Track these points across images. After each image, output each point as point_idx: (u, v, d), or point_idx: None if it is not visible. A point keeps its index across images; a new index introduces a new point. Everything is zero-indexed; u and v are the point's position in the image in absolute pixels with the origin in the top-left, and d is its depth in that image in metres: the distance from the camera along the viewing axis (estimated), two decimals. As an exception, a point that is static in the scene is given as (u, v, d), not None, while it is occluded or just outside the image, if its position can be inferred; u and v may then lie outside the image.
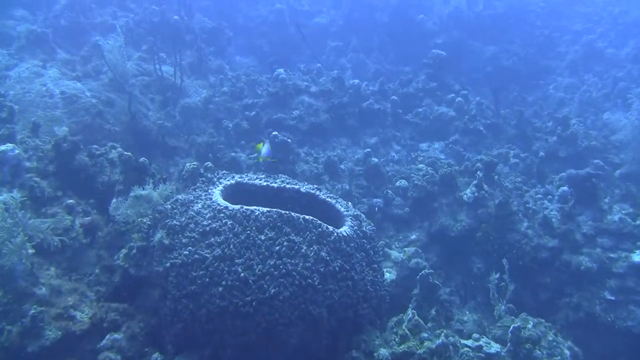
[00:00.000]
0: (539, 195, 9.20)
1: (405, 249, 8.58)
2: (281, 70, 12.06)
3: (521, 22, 17.71)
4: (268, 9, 18.12)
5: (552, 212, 8.57)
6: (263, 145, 6.91)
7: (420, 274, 7.01)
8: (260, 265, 5.46)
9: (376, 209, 9.19)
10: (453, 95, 12.67)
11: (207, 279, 5.45)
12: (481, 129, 11.66)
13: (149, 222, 6.32)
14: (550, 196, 9.07)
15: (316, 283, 5.53)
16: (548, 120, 12.01)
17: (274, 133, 9.56)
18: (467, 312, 7.53)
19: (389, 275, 7.83)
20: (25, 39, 10.11)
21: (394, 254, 8.37)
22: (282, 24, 17.71)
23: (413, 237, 8.98)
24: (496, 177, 9.19)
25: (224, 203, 6.03)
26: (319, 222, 5.92)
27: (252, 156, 9.69)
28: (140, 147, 9.34)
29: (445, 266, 8.70)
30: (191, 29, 13.10)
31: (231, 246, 5.57)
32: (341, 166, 10.11)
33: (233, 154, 9.74)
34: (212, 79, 12.41)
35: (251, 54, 17.01)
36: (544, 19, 18.19)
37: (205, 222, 5.85)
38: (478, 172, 8.91)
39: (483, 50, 16.72)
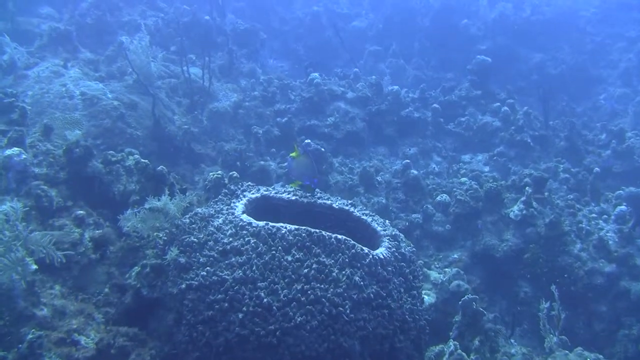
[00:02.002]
0: (594, 215, 8.50)
1: (446, 269, 7.95)
2: (316, 74, 11.51)
3: (571, 28, 17.02)
4: (304, 11, 17.75)
5: (608, 234, 7.93)
6: (298, 151, 6.07)
7: (463, 299, 6.40)
8: (285, 290, 4.89)
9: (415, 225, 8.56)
10: (499, 104, 11.99)
11: (226, 304, 4.88)
12: (528, 140, 10.95)
13: (165, 238, 5.75)
14: (606, 216, 8.37)
15: (348, 312, 4.92)
16: (601, 133, 11.27)
17: (306, 141, 9.03)
18: (514, 343, 6.88)
19: (428, 298, 7.24)
20: (48, 37, 9.68)
21: (434, 274, 7.76)
22: (319, 27, 17.29)
23: (454, 256, 8.33)
24: (546, 193, 8.51)
25: (247, 219, 5.45)
26: (352, 242, 5.31)
27: (283, 165, 9.14)
28: (164, 153, 8.83)
29: (489, 290, 8.07)
30: (223, 30, 12.67)
31: (254, 267, 5.00)
32: (378, 178, 9.49)
33: (262, 162, 9.19)
34: (243, 82, 11.94)
35: (286, 58, 16.57)
36: (596, 25, 17.43)
37: (225, 240, 5.30)
38: (527, 188, 8.25)
39: (529, 58, 16.04)
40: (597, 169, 9.75)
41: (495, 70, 13.35)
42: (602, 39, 16.91)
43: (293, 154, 5.88)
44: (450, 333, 6.46)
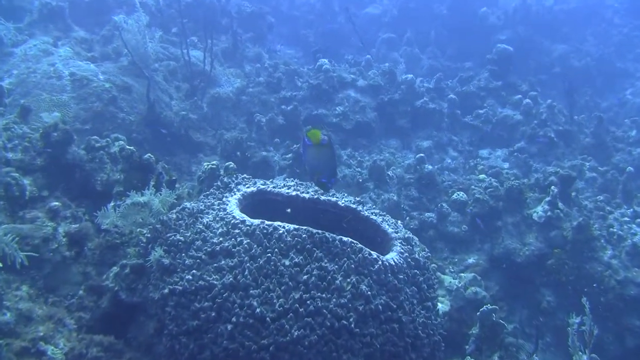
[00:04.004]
0: (626, 218, 7.82)
1: (462, 274, 7.34)
2: (325, 60, 10.88)
3: (596, 18, 16.44)
4: (315, -5, 17.13)
5: None
6: (319, 136, 4.77)
7: (481, 310, 5.84)
8: (281, 299, 4.27)
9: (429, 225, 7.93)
10: (520, 96, 11.32)
11: (214, 313, 4.28)
12: (552, 135, 10.26)
13: (149, 235, 5.13)
14: None
15: (353, 325, 4.30)
16: (630, 129, 10.57)
17: (313, 132, 8.36)
18: None
19: (441, 306, 6.61)
20: (38, 13, 9.03)
21: (448, 279, 7.12)
22: (330, 13, 16.80)
23: (471, 260, 7.69)
24: (573, 193, 7.85)
25: (240, 216, 4.82)
26: (359, 245, 4.67)
27: (287, 157, 8.50)
28: (159, 140, 8.23)
29: (508, 298, 7.46)
30: (227, 11, 12.04)
31: (246, 272, 4.37)
32: (389, 172, 8.84)
33: (265, 153, 8.56)
34: (247, 68, 11.34)
35: (295, 44, 15.98)
36: (623, 16, 16.79)
37: (215, 240, 4.68)
38: (552, 188, 7.61)
39: (552, 49, 15.39)
40: (630, 168, 9.05)
41: (515, 62, 12.74)
42: (629, 31, 16.32)
43: (312, 138, 4.54)
44: (467, 347, 5.98)
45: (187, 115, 8.85)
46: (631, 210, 8.10)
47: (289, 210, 5.46)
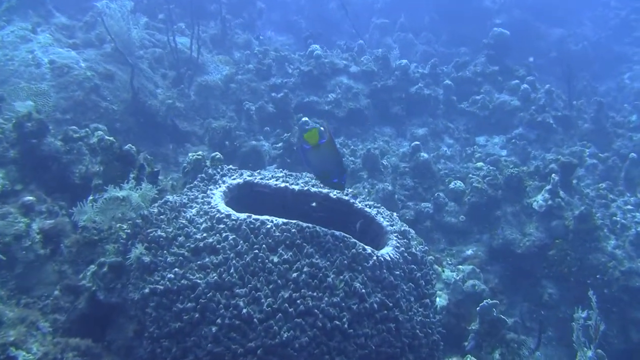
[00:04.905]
0: (629, 206, 7.61)
1: (460, 267, 7.10)
2: (316, 46, 10.59)
3: (594, 1, 16.24)
4: (307, -20, 16.86)
5: None
6: (316, 135, 4.39)
7: (481, 305, 5.62)
8: (270, 299, 3.99)
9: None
10: (517, 81, 11.05)
11: (197, 315, 4.00)
12: (551, 121, 10.01)
13: (129, 231, 4.82)
14: None
15: (346, 326, 4.04)
16: (631, 114, 10.33)
17: (304, 119, 8.10)
18: (541, 357, 6.05)
19: (439, 300, 6.36)
20: (17, -2, 8.70)
21: (446, 272, 6.88)
22: (322, -2, 16.39)
23: (469, 252, 7.46)
24: (575, 181, 7.60)
25: (225, 210, 4.52)
26: (352, 240, 4.39)
27: (277, 146, 8.21)
28: (144, 130, 7.94)
29: (508, 291, 7.22)
30: (216, -4, 11.71)
31: (232, 270, 4.09)
32: (383, 161, 8.56)
33: (254, 142, 8.26)
34: (237, 54, 11.05)
35: (287, 30, 15.72)
36: (621, -2, 16.55)
37: (199, 235, 4.38)
38: (553, 175, 7.35)
39: (548, 33, 15.22)
40: (633, 154, 8.81)
41: (512, 46, 12.48)
42: (627, 14, 16.20)
43: (310, 140, 4.21)
44: (466, 343, 5.76)
45: (173, 104, 8.55)
46: (634, 198, 7.87)
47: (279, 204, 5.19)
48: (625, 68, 14.49)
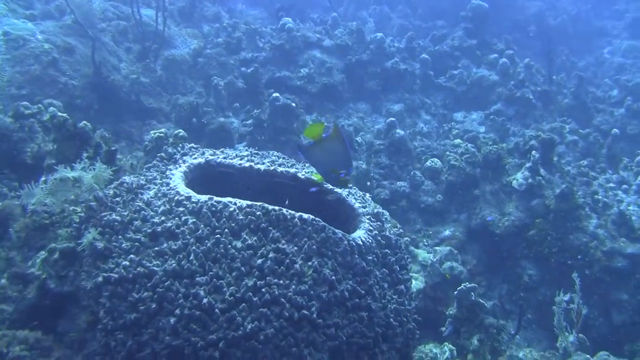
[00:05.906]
0: (612, 184, 7.41)
1: (437, 248, 6.89)
2: (288, 19, 10.21)
3: None
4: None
5: (630, 207, 6.92)
6: (319, 130, 3.85)
7: (459, 288, 5.43)
8: (232, 287, 3.70)
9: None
10: (496, 55, 10.79)
11: (155, 305, 3.69)
12: (530, 97, 9.78)
13: (82, 214, 4.49)
14: (626, 186, 7.28)
15: (315, 315, 3.78)
16: (612, 89, 10.12)
17: (274, 95, 7.77)
18: (522, 343, 5.87)
19: (415, 283, 6.16)
20: (-31, -33, 8.23)
21: (422, 254, 6.66)
22: (294, -31, 15.94)
23: (447, 233, 7.25)
24: (555, 159, 7.39)
25: (185, 191, 4.20)
26: (322, 223, 4.10)
27: (247, 123, 7.89)
28: (106, 107, 7.57)
29: (487, 272, 7.07)
30: (183, -33, 11.26)
31: (191, 257, 3.79)
32: (357, 139, 8.31)
33: (223, 119, 7.92)
34: (206, 28, 10.64)
35: (259, 4, 15.22)
36: (601, -30, 16.34)
37: (156, 219, 4.05)
38: (533, 153, 7.13)
39: (526, 6, 14.86)
40: (615, 130, 8.60)
41: (490, 20, 12.25)
42: (607, -14, 15.87)
43: (311, 136, 3.90)
44: (443, 328, 5.60)
45: (138, 79, 8.16)
46: (616, 175, 7.66)
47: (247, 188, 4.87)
48: (604, 42, 14.34)
